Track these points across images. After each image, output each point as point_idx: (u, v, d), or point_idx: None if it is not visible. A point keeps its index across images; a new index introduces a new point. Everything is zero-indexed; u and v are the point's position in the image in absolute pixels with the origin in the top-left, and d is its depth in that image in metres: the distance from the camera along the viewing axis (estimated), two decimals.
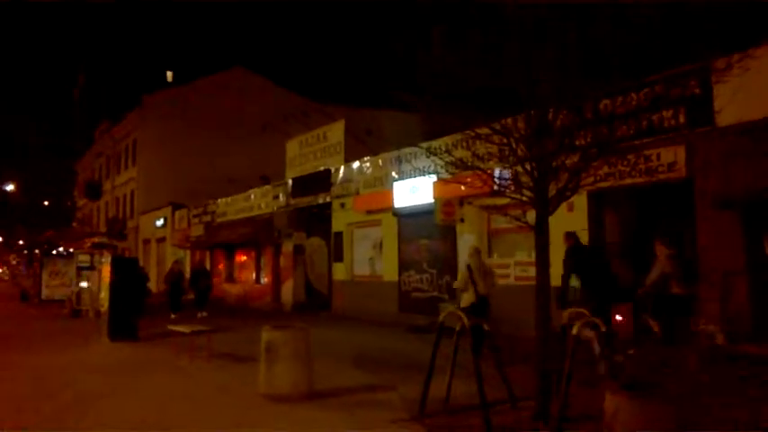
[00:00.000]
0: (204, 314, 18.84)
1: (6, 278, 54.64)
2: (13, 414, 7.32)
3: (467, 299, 10.45)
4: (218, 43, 71.70)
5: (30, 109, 68.79)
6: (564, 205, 6.88)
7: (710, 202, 9.82)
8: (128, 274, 14.79)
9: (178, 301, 19.29)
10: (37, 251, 45.69)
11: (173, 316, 18.10)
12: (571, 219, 11.19)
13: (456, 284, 11.27)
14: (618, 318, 10.48)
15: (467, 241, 14.79)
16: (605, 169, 7.17)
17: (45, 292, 25.46)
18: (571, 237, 10.33)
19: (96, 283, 20.27)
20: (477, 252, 10.95)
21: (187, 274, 22.25)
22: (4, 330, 16.68)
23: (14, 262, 59.49)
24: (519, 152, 6.60)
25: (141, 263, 24.16)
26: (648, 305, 9.70)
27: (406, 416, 6.78)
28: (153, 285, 26.96)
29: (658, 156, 10.41)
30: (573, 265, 9.98)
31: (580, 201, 11.04)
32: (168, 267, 22.98)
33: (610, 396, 4.02)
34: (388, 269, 17.60)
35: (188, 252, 31.12)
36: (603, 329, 6.11)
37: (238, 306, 24.03)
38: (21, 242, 56.90)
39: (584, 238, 11.21)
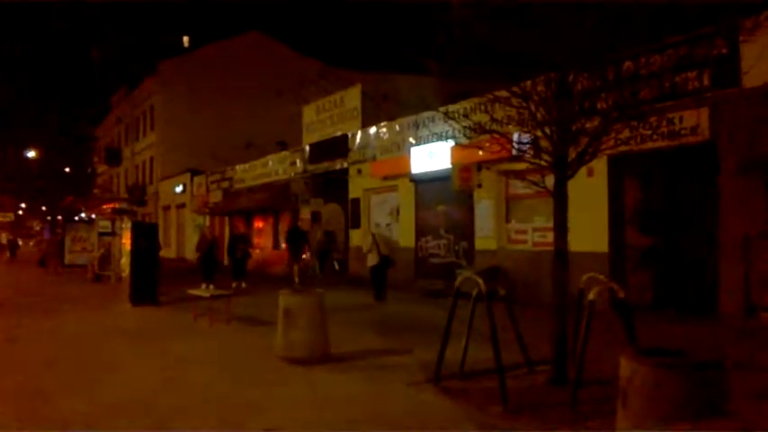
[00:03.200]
0: (243, 285, 17.16)
1: (31, 243, 55.64)
2: (36, 378, 7.50)
3: (371, 259, 14.19)
4: (233, 8, 70.97)
5: (48, 76, 69.06)
6: (583, 170, 6.78)
7: (734, 165, 9.62)
8: (148, 240, 14.96)
9: (211, 270, 17.06)
10: (59, 217, 46.48)
11: (202, 286, 15.37)
12: (591, 183, 11.07)
13: (364, 249, 14.86)
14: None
15: (484, 206, 14.73)
16: (626, 133, 7.02)
17: (68, 258, 25.91)
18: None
19: (118, 249, 20.61)
20: (377, 225, 15.81)
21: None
22: (28, 294, 17.06)
23: (38, 228, 60.55)
24: (538, 116, 6.49)
25: (161, 229, 23.90)
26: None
27: (422, 379, 6.84)
28: (189, 252, 26.67)
29: (681, 119, 10.18)
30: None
31: (600, 165, 10.87)
32: (198, 234, 22.53)
33: (625, 362, 4.00)
34: (405, 235, 17.61)
35: (207, 218, 31.41)
36: (621, 296, 6.06)
37: (256, 271, 24.29)
38: (43, 208, 57.73)
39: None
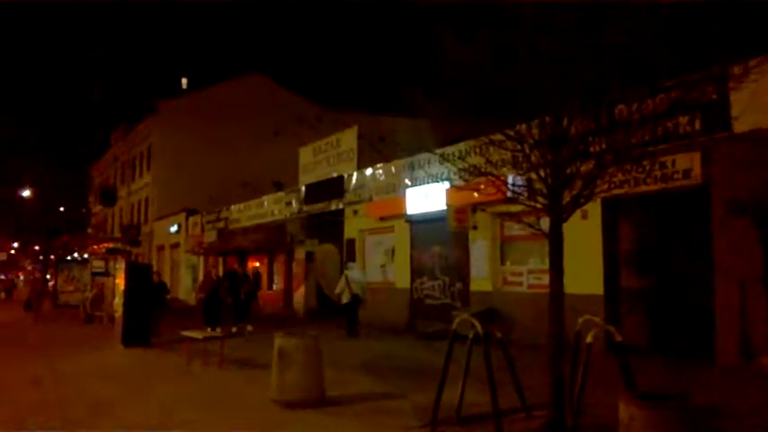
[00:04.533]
0: (249, 328, 15.95)
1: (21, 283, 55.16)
2: (21, 422, 7.34)
3: (344, 297, 15.57)
4: (232, 50, 72.26)
5: (45, 115, 69.71)
6: (578, 212, 6.82)
7: (727, 209, 9.70)
8: (142, 281, 14.87)
9: (216, 312, 16.12)
10: (52, 257, 46.19)
11: (207, 330, 13.97)
12: (585, 226, 11.11)
13: (337, 290, 15.98)
14: None
15: (479, 248, 14.73)
16: (620, 176, 7.11)
17: (61, 298, 25.70)
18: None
19: (111, 289, 20.44)
20: (351, 267, 16.73)
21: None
22: (17, 336, 16.83)
23: (29, 267, 60.13)
24: (533, 158, 6.56)
25: (155, 269, 23.41)
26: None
27: (418, 424, 6.73)
28: (182, 293, 25.75)
29: (674, 162, 10.31)
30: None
31: (594, 208, 10.94)
32: (190, 274, 21.82)
33: (624, 406, 3.96)
34: (401, 276, 17.55)
35: (201, 258, 31.27)
36: (619, 339, 6.02)
37: (251, 312, 24.03)
38: (36, 248, 57.43)
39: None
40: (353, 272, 16.39)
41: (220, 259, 29.49)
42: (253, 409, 7.73)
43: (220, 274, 22.91)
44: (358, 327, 15.40)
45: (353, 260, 19.53)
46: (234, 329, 15.81)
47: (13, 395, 8.83)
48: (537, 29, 6.05)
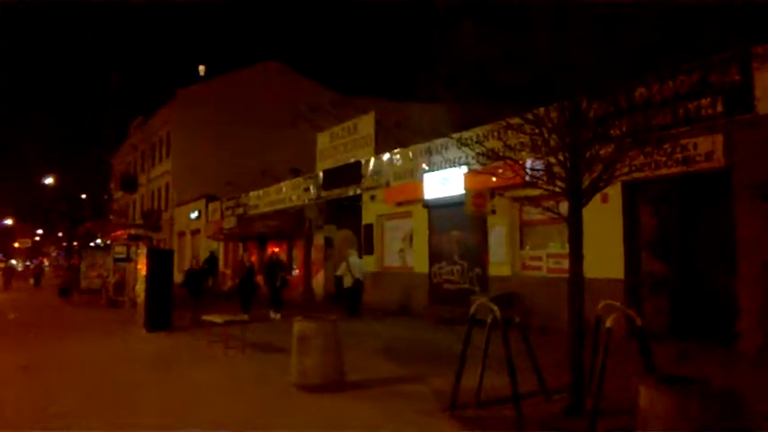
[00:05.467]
0: (277, 316, 16.06)
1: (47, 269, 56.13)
2: (51, 404, 7.52)
3: (346, 282, 16.84)
4: (249, 37, 72.24)
5: (66, 104, 70.50)
6: (598, 196, 6.77)
7: (750, 191, 9.56)
8: (163, 266, 15.05)
9: (249, 300, 16.50)
10: (75, 243, 46.93)
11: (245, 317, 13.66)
12: (605, 210, 11.02)
13: (337, 273, 17.42)
14: None
15: (498, 233, 14.69)
16: (640, 159, 7.01)
17: (84, 283, 26.13)
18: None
19: (132, 274, 20.73)
20: (350, 253, 17.64)
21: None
22: (43, 319, 17.17)
23: (54, 254, 61.18)
24: (552, 142, 6.51)
25: (177, 255, 23.44)
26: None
27: (437, 407, 6.78)
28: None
29: (695, 145, 10.15)
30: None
31: (614, 191, 10.85)
32: (221, 260, 21.43)
33: (644, 390, 3.95)
34: (419, 261, 17.57)
35: (221, 244, 31.54)
36: (639, 323, 5.99)
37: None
38: (60, 234, 58.37)
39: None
40: (353, 257, 17.38)
41: (240, 244, 29.75)
42: (273, 393, 7.83)
43: (253, 260, 23.17)
44: (360, 308, 16.59)
45: (371, 247, 19.65)
46: (272, 315, 16.04)
47: (43, 376, 9.04)
48: (556, 11, 5.98)
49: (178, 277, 19.43)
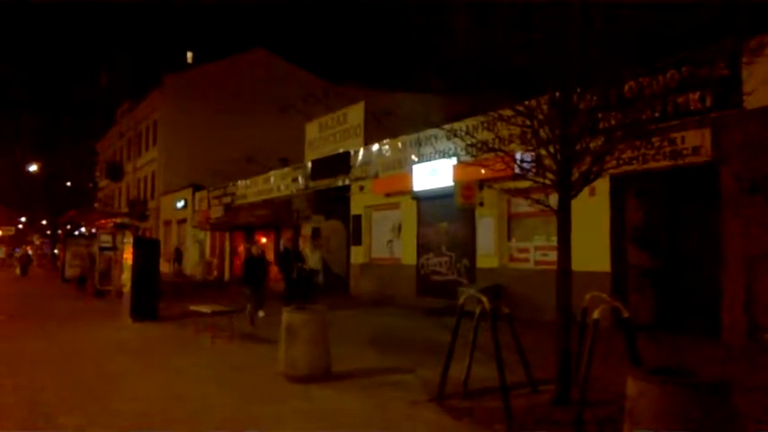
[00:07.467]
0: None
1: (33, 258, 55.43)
2: (36, 395, 7.46)
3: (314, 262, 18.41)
4: (238, 24, 71.63)
5: (52, 90, 69.56)
6: (586, 189, 6.79)
7: (737, 185, 9.64)
8: (149, 255, 14.94)
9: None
10: (60, 231, 46.44)
11: (261, 314, 13.48)
12: (593, 203, 11.08)
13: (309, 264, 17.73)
14: None
15: (486, 225, 14.73)
16: (629, 153, 7.04)
17: (68, 272, 25.91)
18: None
19: (118, 264, 20.56)
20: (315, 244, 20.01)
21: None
22: (27, 309, 17.01)
23: (38, 242, 60.49)
24: (542, 135, 6.51)
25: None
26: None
27: (425, 397, 6.79)
28: (189, 268, 25.04)
29: (683, 139, 10.22)
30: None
31: (602, 185, 10.90)
32: (207, 249, 21.61)
33: (633, 381, 3.97)
34: (407, 252, 17.59)
35: (208, 234, 31.38)
36: (626, 315, 6.03)
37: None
38: (44, 222, 57.71)
39: None
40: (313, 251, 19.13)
41: (227, 234, 29.61)
42: (260, 383, 7.81)
43: (226, 248, 22.49)
44: (313, 294, 16.43)
45: (359, 238, 19.64)
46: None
47: (29, 367, 8.96)
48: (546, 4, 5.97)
49: (165, 266, 19.14)
